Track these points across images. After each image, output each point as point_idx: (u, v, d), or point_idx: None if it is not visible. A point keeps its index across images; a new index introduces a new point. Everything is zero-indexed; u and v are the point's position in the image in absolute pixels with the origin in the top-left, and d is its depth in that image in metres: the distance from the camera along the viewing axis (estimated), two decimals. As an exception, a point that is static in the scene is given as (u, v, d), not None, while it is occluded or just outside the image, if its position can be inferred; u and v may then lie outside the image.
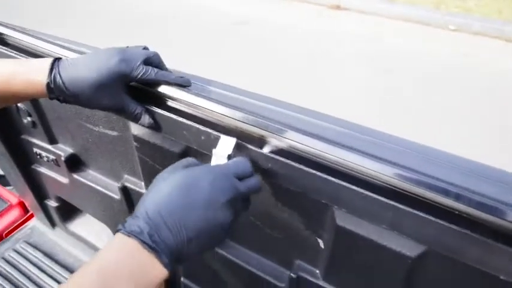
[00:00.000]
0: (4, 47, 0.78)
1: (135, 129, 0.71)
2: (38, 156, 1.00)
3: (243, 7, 4.09)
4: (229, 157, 0.52)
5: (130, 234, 0.39)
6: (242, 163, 0.48)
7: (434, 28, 3.89)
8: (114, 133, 0.78)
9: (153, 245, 0.38)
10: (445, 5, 4.13)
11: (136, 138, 0.71)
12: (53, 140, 0.94)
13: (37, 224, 1.22)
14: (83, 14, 4.00)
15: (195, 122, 0.58)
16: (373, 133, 0.50)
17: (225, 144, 0.53)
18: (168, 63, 0.60)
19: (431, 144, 0.48)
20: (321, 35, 3.70)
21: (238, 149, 0.54)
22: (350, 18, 4.18)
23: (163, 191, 0.43)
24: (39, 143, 0.97)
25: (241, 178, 0.47)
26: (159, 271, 0.39)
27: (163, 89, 0.57)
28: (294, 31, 3.75)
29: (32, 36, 0.72)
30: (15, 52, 0.76)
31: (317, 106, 0.53)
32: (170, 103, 0.59)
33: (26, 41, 0.72)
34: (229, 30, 3.66)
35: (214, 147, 0.53)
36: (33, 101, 0.86)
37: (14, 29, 0.75)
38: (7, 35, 0.76)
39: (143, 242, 0.38)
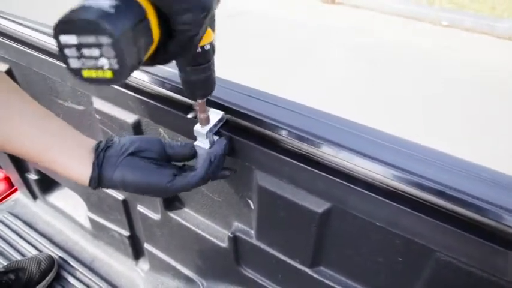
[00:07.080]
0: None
1: (97, 103, 0.78)
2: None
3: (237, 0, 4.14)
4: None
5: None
6: None
7: (427, 23, 3.94)
8: (80, 107, 0.86)
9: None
10: (439, 1, 4.16)
11: (97, 111, 0.79)
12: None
13: (20, 197, 1.30)
14: None
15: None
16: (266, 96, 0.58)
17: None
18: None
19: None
20: (314, 29, 3.75)
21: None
22: (344, 12, 4.22)
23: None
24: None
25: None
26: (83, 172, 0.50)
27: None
28: (287, 24, 3.80)
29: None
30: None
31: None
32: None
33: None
34: (223, 23, 3.71)
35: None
36: (9, 77, 0.94)
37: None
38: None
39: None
